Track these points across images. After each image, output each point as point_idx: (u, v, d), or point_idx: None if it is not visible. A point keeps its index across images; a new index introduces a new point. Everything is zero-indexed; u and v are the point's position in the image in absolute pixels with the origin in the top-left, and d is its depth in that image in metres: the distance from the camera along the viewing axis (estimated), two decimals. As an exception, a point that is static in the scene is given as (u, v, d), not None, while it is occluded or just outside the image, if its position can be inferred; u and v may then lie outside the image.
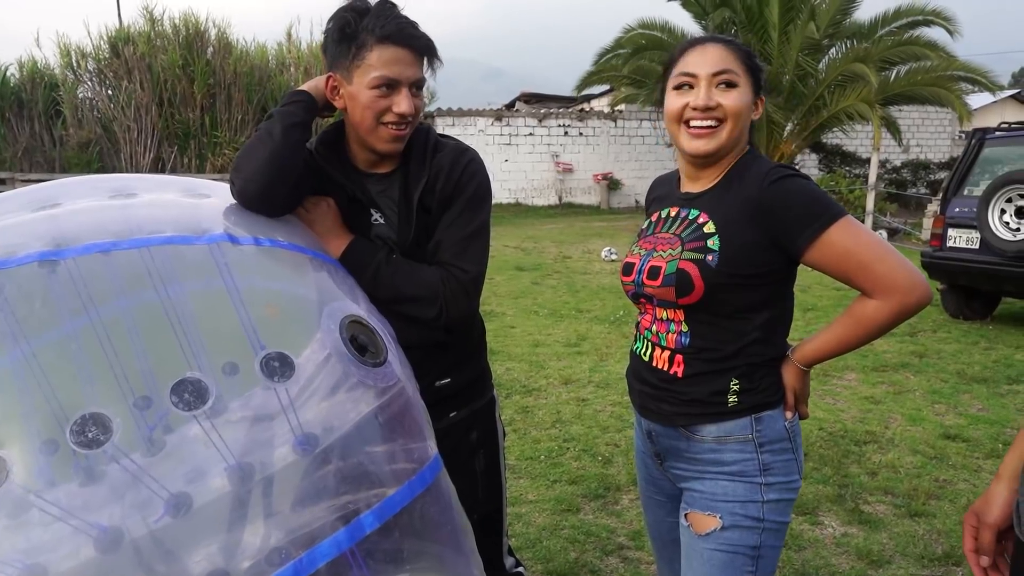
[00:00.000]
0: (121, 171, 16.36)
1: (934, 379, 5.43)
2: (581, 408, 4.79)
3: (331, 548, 1.14)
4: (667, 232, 1.66)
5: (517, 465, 3.91)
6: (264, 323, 1.24)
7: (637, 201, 20.76)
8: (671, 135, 1.64)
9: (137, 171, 16.56)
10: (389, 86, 1.60)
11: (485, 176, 1.76)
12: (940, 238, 7.36)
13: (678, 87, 1.60)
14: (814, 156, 20.98)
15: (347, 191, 1.71)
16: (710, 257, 1.53)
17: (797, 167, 1.76)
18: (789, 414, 1.61)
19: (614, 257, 11.39)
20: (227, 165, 16.61)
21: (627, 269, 1.71)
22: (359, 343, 1.31)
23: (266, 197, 1.54)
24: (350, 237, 1.68)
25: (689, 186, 1.69)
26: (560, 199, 20.47)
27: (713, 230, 1.56)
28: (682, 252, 1.57)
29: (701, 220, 1.59)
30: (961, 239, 7.14)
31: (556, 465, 3.91)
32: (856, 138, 20.80)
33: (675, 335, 1.62)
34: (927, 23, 14.96)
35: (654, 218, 1.75)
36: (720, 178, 1.62)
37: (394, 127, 1.63)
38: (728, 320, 1.58)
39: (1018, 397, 5.03)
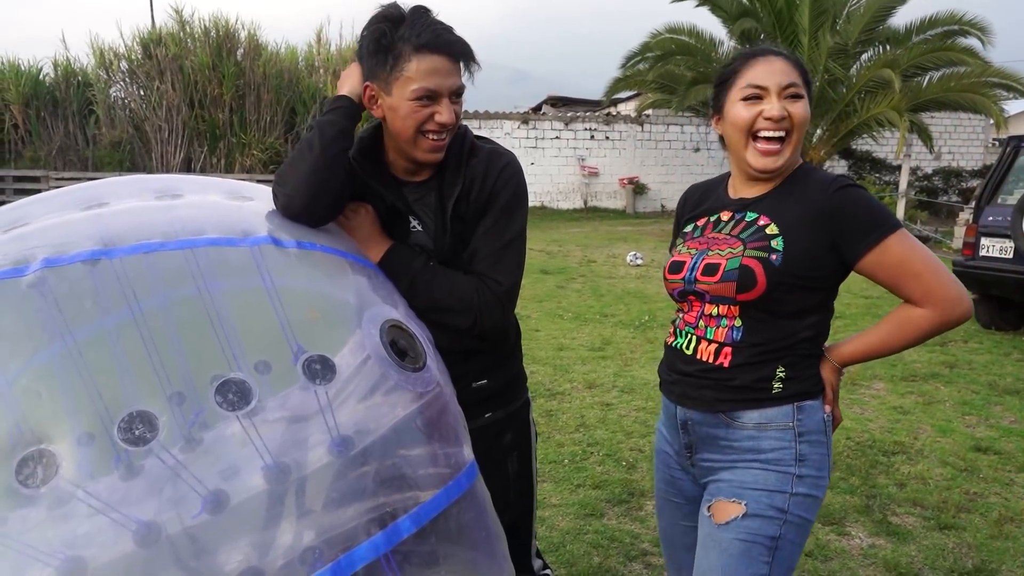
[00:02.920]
0: (151, 170, 16.59)
1: (965, 390, 5.35)
2: (605, 413, 4.77)
3: (369, 551, 1.15)
4: (722, 233, 1.69)
5: (541, 469, 3.91)
6: (302, 323, 1.26)
7: (663, 206, 20.69)
8: (733, 144, 1.67)
9: (167, 170, 16.78)
10: (430, 97, 1.59)
11: (520, 181, 1.74)
12: (973, 247, 7.25)
13: (747, 98, 1.63)
14: (843, 162, 20.78)
15: (385, 200, 1.72)
16: (774, 256, 1.58)
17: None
18: (828, 408, 1.66)
19: (639, 262, 11.35)
20: (255, 166, 16.82)
21: (675, 267, 1.73)
22: (399, 348, 1.32)
23: (310, 210, 1.54)
24: (388, 243, 1.68)
25: (743, 191, 1.73)
26: (585, 203, 20.44)
27: (776, 232, 1.61)
28: (744, 250, 1.61)
29: (762, 222, 1.64)
30: (994, 248, 7.03)
31: (580, 469, 3.90)
32: (886, 144, 20.57)
33: (726, 330, 1.65)
34: (962, 32, 14.78)
35: (700, 222, 1.77)
36: (779, 184, 1.68)
37: (434, 137, 1.62)
38: (782, 319, 1.63)
39: (1051, 410, 4.95)
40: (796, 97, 1.62)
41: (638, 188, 20.59)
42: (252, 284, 1.26)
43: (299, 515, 1.16)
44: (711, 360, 1.67)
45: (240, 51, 17.49)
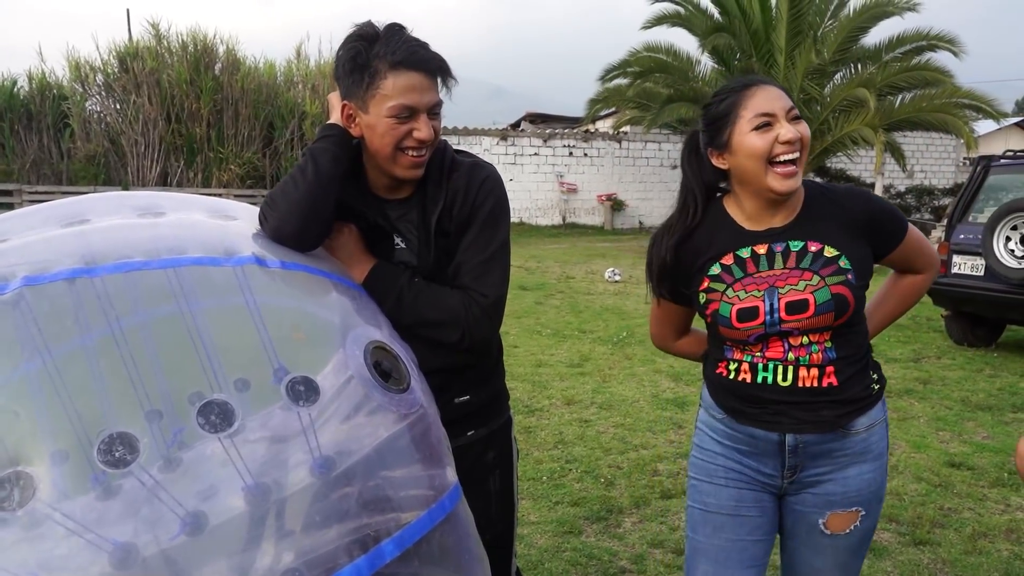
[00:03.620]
0: (127, 185, 16.45)
1: (938, 406, 5.42)
2: (583, 429, 4.78)
3: (351, 574, 1.14)
4: (775, 269, 1.71)
5: (519, 485, 3.90)
6: (284, 343, 1.25)
7: (641, 222, 20.81)
8: (750, 174, 1.68)
9: (143, 184, 16.64)
10: (407, 114, 1.59)
11: (502, 193, 1.75)
12: (945, 264, 7.36)
13: (759, 127, 1.66)
14: (818, 180, 20.98)
15: (368, 218, 1.72)
16: (850, 276, 1.69)
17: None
18: None
19: (617, 278, 11.40)
20: (233, 181, 16.73)
21: (749, 314, 1.69)
22: (383, 369, 1.32)
23: (300, 236, 1.55)
24: (373, 261, 1.68)
25: (767, 221, 1.74)
26: (564, 219, 20.52)
27: (837, 253, 1.70)
28: (825, 280, 1.69)
29: (814, 248, 1.71)
30: (966, 266, 7.14)
31: (558, 486, 3.90)
32: (860, 163, 20.88)
33: (820, 353, 1.72)
34: (932, 47, 15.05)
35: (727, 261, 1.74)
36: (800, 209, 1.75)
37: (414, 153, 1.63)
38: (857, 326, 1.77)
39: (1023, 425, 5.02)
40: (797, 118, 1.68)
41: (616, 205, 20.72)
42: (234, 303, 1.26)
43: (279, 537, 1.15)
44: (816, 384, 1.71)
45: (218, 65, 17.43)
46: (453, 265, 1.71)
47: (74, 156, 16.92)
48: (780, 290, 1.68)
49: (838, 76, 15.86)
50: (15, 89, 16.84)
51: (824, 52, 14.81)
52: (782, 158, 1.65)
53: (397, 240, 1.73)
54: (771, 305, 1.68)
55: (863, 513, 1.78)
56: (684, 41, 16.39)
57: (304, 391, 1.21)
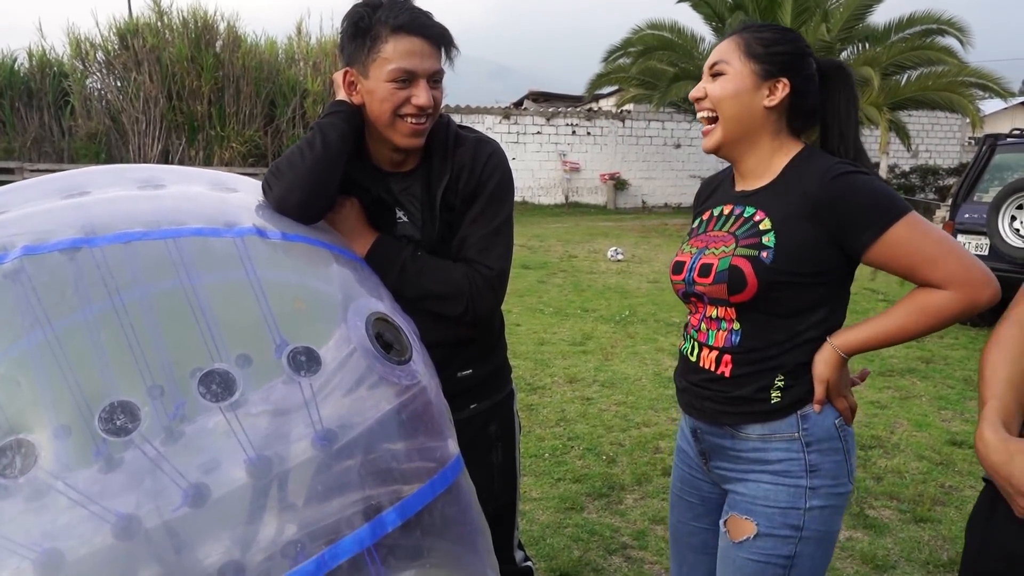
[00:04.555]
0: (128, 163, 16.40)
1: (941, 385, 5.42)
2: (586, 407, 4.79)
3: (353, 544, 1.14)
4: (720, 230, 1.62)
5: (522, 462, 3.91)
6: (285, 316, 1.24)
7: (644, 201, 20.75)
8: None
9: (144, 162, 16.60)
10: (406, 78, 1.59)
11: (507, 169, 1.76)
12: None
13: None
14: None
15: (371, 192, 1.71)
16: (764, 254, 1.50)
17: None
18: (818, 407, 1.54)
19: (620, 257, 11.38)
20: (235, 159, 16.66)
21: (677, 268, 1.67)
22: (384, 340, 1.32)
23: (304, 208, 1.54)
24: (375, 235, 1.68)
25: (743, 184, 1.66)
26: (567, 198, 20.46)
27: (769, 227, 1.52)
28: (735, 249, 1.54)
29: (757, 218, 1.56)
30: (971, 245, 7.12)
31: (560, 463, 3.91)
32: (865, 142, 20.60)
33: (725, 333, 1.58)
34: (940, 32, 14.93)
35: (705, 216, 1.71)
36: (777, 175, 1.59)
37: (413, 120, 1.62)
38: (781, 319, 1.54)
39: (1025, 405, 5.02)
40: (716, 75, 1.59)
41: (619, 184, 20.63)
42: (235, 276, 1.25)
43: (281, 509, 1.15)
44: (713, 368, 1.60)
45: (219, 43, 17.30)
46: (457, 238, 1.71)
47: (75, 134, 16.85)
48: (705, 251, 1.61)
49: (844, 55, 15.74)
50: (15, 66, 16.74)
51: (830, 30, 14.68)
52: (697, 115, 1.64)
53: (399, 214, 1.73)
54: (692, 263, 1.62)
55: (759, 529, 1.55)
56: (688, 19, 16.24)
57: (306, 361, 1.20)
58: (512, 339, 6.41)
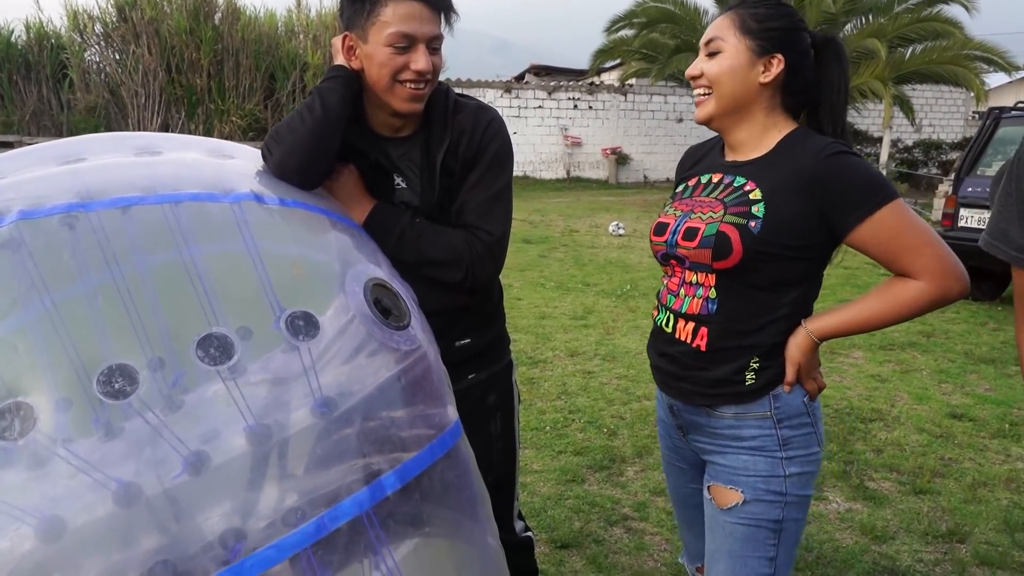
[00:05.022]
0: (128, 136, 16.32)
1: (941, 359, 5.42)
2: (587, 381, 4.80)
3: (353, 507, 1.15)
4: (708, 196, 1.63)
5: (523, 436, 3.92)
6: (284, 286, 1.24)
7: (646, 176, 20.67)
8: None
9: (144, 137, 16.51)
10: (406, 43, 1.57)
11: (507, 135, 1.75)
12: (952, 218, 7.31)
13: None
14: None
15: (369, 157, 1.70)
16: (753, 223, 1.51)
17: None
18: (788, 388, 1.58)
19: (621, 232, 11.36)
20: (234, 133, 16.59)
21: (660, 229, 1.68)
22: (383, 306, 1.31)
23: (304, 172, 1.53)
24: (373, 202, 1.67)
25: (733, 155, 1.67)
26: (568, 173, 20.38)
27: (759, 197, 1.54)
28: (724, 215, 1.55)
29: (748, 188, 1.57)
30: (973, 219, 7.10)
31: (561, 436, 3.92)
32: (868, 116, 20.62)
33: (701, 300, 1.60)
34: (944, 0, 14.77)
35: (692, 182, 1.72)
36: (770, 149, 1.60)
37: (412, 85, 1.60)
38: (760, 292, 1.56)
39: (1025, 378, 5.03)
40: (713, 53, 1.60)
41: (621, 158, 20.55)
42: (234, 246, 1.24)
43: (281, 476, 1.15)
44: (689, 340, 1.62)
45: (218, 15, 17.15)
46: (457, 204, 1.70)
47: (74, 107, 16.76)
48: (691, 215, 1.62)
49: (848, 27, 15.59)
50: (12, 39, 16.61)
51: (835, 1, 14.53)
52: (693, 92, 1.65)
53: (398, 180, 1.71)
54: (677, 226, 1.63)
55: (746, 497, 1.59)
56: (691, -10, 16.06)
57: (304, 325, 1.20)
58: (513, 313, 6.42)
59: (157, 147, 1.42)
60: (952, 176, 8.05)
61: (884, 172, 12.93)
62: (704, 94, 1.61)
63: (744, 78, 1.57)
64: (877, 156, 15.01)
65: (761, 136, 1.62)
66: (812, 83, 1.62)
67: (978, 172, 7.36)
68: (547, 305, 6.84)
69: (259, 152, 1.58)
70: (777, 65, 1.57)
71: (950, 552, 2.91)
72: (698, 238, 1.56)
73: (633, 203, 15.75)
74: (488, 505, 1.44)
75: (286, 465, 1.16)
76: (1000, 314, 6.81)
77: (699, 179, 1.71)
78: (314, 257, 1.34)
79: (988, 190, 6.84)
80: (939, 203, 12.61)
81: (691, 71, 1.63)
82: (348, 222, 1.53)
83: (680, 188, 1.76)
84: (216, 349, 1.13)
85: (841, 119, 1.63)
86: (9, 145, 15.06)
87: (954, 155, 20.39)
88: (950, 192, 7.57)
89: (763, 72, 1.57)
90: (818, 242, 1.54)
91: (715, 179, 1.66)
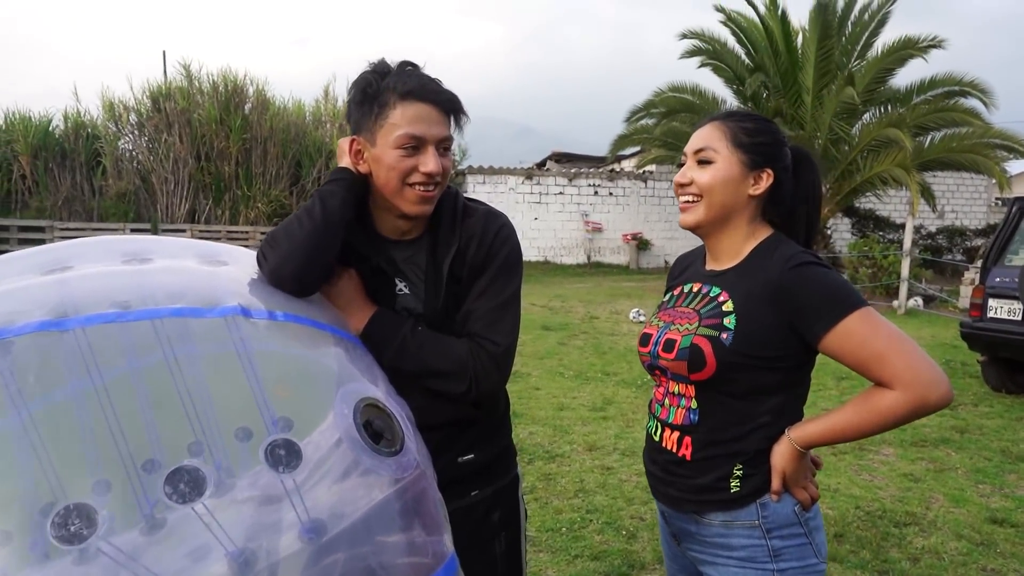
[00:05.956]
0: (156, 222, 16.68)
1: (977, 457, 5.19)
2: (606, 477, 4.63)
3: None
4: (687, 307, 1.66)
5: (537, 537, 3.76)
6: (267, 408, 1.16)
7: (666, 261, 20.68)
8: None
9: (172, 222, 16.87)
10: (415, 145, 1.54)
11: (517, 242, 1.70)
12: (980, 308, 7.15)
13: (681, 165, 1.69)
14: (847, 220, 20.82)
15: (371, 261, 1.64)
16: (725, 335, 1.53)
17: (822, 253, 1.82)
18: (775, 497, 1.55)
19: (642, 318, 11.26)
20: (260, 218, 16.90)
21: (644, 340, 1.71)
22: (374, 429, 1.23)
23: (300, 278, 1.47)
24: (373, 309, 1.60)
25: (713, 264, 1.70)
26: (589, 258, 20.45)
27: (731, 309, 1.56)
28: (698, 327, 1.57)
29: (722, 299, 1.59)
30: (1003, 310, 6.93)
31: (578, 538, 3.75)
32: (890, 203, 20.64)
33: (684, 411, 1.61)
34: (963, 93, 14.95)
35: (676, 291, 1.76)
36: (743, 258, 1.63)
37: (421, 188, 1.56)
38: (738, 401, 1.56)
39: (1067, 479, 4.79)
40: (704, 162, 1.62)
41: (642, 244, 20.63)
42: (215, 364, 1.17)
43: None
44: (674, 449, 1.63)
45: (248, 105, 17.73)
46: (462, 312, 1.63)
47: (105, 193, 17.20)
48: (671, 326, 1.65)
49: (867, 116, 15.76)
50: (51, 128, 17.21)
51: (854, 92, 14.77)
52: (679, 198, 1.68)
53: (400, 285, 1.65)
54: (658, 337, 1.66)
55: None
56: (710, 81, 16.44)
57: (284, 455, 1.11)
58: (531, 404, 6.29)
59: (147, 253, 1.37)
60: (978, 263, 7.93)
61: (908, 259, 12.82)
62: (692, 201, 1.64)
63: (735, 190, 1.61)
64: (900, 242, 14.91)
65: (741, 245, 1.64)
66: (790, 195, 1.66)
67: (1005, 262, 7.24)
68: (565, 395, 6.70)
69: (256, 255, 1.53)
70: (767, 179, 1.62)
71: (999, 677, 2.69)
72: (675, 350, 1.59)
73: (654, 289, 15.68)
74: None
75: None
76: (1036, 408, 6.57)
77: (683, 288, 1.74)
78: (304, 373, 1.26)
79: (1016, 280, 6.71)
80: (966, 291, 12.44)
81: (680, 178, 1.65)
82: (343, 334, 1.46)
83: (667, 297, 1.79)
84: (185, 484, 1.04)
85: (815, 226, 1.69)
86: (40, 230, 15.43)
87: (978, 241, 20.25)
88: (977, 281, 7.43)
89: (753, 185, 1.62)
90: (791, 351, 1.54)
91: (695, 288, 1.70)
